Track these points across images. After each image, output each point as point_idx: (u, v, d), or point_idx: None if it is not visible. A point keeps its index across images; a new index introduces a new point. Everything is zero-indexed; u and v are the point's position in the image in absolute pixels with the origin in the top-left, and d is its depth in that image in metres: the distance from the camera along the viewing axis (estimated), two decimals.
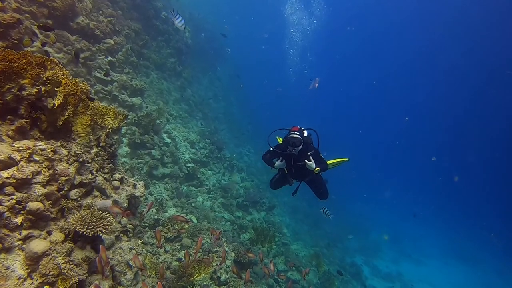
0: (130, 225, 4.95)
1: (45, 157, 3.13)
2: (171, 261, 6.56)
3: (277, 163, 4.56)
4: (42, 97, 3.21)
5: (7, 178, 2.77)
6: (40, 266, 2.82)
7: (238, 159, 15.50)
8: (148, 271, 5.49)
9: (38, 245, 2.85)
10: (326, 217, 6.70)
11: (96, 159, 4.05)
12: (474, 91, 42.25)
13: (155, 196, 8.68)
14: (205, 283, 6.04)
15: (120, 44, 10.44)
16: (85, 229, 3.20)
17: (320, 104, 53.38)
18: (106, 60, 9.52)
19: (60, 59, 7.57)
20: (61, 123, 3.39)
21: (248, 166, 15.90)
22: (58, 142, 3.42)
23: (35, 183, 3.00)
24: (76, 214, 3.31)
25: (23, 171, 2.89)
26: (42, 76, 3.18)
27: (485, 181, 42.48)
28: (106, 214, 3.46)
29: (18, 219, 2.82)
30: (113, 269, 3.99)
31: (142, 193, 4.94)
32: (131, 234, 4.88)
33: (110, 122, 4.22)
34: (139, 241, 5.81)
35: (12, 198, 2.79)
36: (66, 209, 3.35)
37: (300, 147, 4.29)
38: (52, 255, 2.95)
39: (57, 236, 3.10)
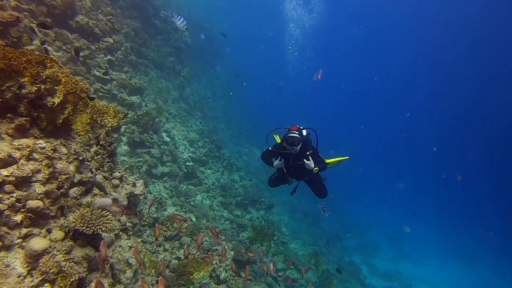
0: (130, 224, 4.96)
1: (45, 155, 3.14)
2: (170, 259, 6.58)
3: (276, 162, 4.56)
4: (42, 96, 3.21)
5: (7, 176, 2.78)
6: (40, 264, 2.83)
7: (237, 158, 15.52)
8: (147, 270, 5.51)
9: (38, 243, 2.86)
10: (323, 214, 6.77)
11: (95, 157, 4.06)
12: (474, 90, 42.28)
13: (154, 195, 8.69)
14: (204, 282, 6.06)
15: (119, 42, 10.42)
16: (85, 227, 3.21)
17: (321, 100, 53.43)
18: (105, 58, 9.51)
19: (59, 58, 7.56)
20: (60, 121, 3.39)
21: (247, 165, 15.92)
22: (58, 141, 3.43)
23: (35, 181, 3.01)
24: (76, 212, 3.32)
25: (23, 169, 2.90)
26: (42, 74, 3.18)
27: (484, 180, 42.60)
28: (106, 212, 3.48)
29: (18, 217, 2.83)
30: (113, 267, 4.00)
31: (141, 191, 4.95)
32: (131, 233, 4.89)
33: (110, 120, 4.23)
34: (139, 240, 5.82)
35: (12, 196, 2.79)
36: (66, 207, 3.36)
37: (299, 147, 4.28)
38: (52, 253, 2.96)
39: (57, 234, 3.11)
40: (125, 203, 4.57)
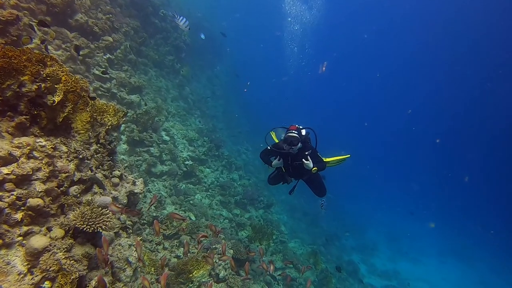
0: (130, 222, 4.97)
1: (45, 154, 3.15)
2: (169, 258, 6.60)
3: (275, 161, 4.57)
4: (42, 94, 3.22)
5: (7, 174, 2.79)
6: (41, 262, 2.84)
7: (236, 157, 15.53)
8: (147, 268, 5.52)
9: (38, 241, 2.87)
10: (321, 209, 6.86)
11: (95, 156, 4.07)
12: (474, 90, 42.28)
13: (153, 194, 8.70)
14: (203, 280, 6.08)
15: (118, 41, 10.42)
16: (85, 225, 3.22)
17: (322, 99, 53.38)
18: (104, 57, 9.51)
19: (58, 56, 7.56)
20: (60, 120, 3.40)
21: (246, 164, 15.94)
22: (58, 139, 3.44)
23: (35, 180, 3.02)
24: (76, 211, 3.34)
25: (23, 168, 2.91)
26: (42, 73, 3.19)
27: (484, 179, 42.64)
28: (106, 211, 3.49)
29: (18, 215, 2.84)
30: (113, 265, 4.01)
31: (141, 190, 4.97)
32: (130, 231, 4.91)
33: (110, 119, 4.24)
34: (138, 238, 5.83)
35: (12, 194, 2.80)
36: (66, 205, 3.37)
37: (298, 146, 4.29)
38: (52, 251, 2.97)
39: (57, 232, 3.13)
40: (125, 201, 4.58)
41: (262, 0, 43.59)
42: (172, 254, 6.76)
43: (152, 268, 5.63)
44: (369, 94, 54.50)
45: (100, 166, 4.24)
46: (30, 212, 2.93)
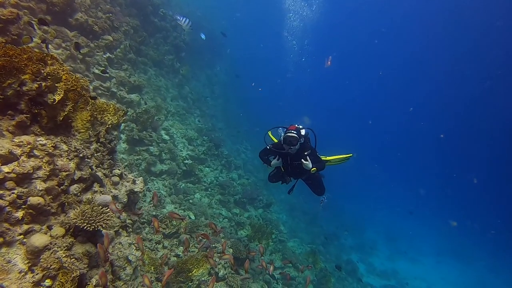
0: (130, 221, 4.99)
1: (46, 152, 3.16)
2: (169, 256, 6.61)
3: (274, 161, 4.58)
4: (42, 93, 3.23)
5: (8, 172, 2.80)
6: (41, 260, 2.86)
7: (235, 156, 15.55)
8: (146, 267, 5.54)
9: (39, 239, 2.88)
10: (320, 205, 6.93)
11: (95, 154, 4.08)
12: (474, 90, 42.24)
13: (153, 191, 8.70)
14: (203, 279, 6.09)
15: (118, 40, 10.41)
16: (85, 224, 3.23)
17: (322, 98, 53.33)
18: (104, 56, 9.51)
19: (58, 55, 7.56)
20: (61, 118, 3.41)
21: (245, 163, 15.96)
22: (58, 138, 3.44)
23: (36, 178, 3.03)
24: (77, 209, 3.35)
25: (23, 166, 2.92)
26: (42, 71, 3.20)
27: (483, 178, 42.68)
28: (106, 209, 3.50)
29: (19, 214, 2.85)
30: (113, 264, 4.03)
31: (141, 188, 4.98)
32: (130, 230, 4.92)
33: (110, 118, 4.25)
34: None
35: (13, 193, 2.81)
36: (66, 204, 3.38)
37: (297, 146, 4.30)
38: (53, 249, 2.98)
39: (58, 230, 3.14)
40: (125, 200, 4.60)
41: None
42: (171, 253, 6.78)
43: (152, 267, 5.64)
44: (371, 92, 54.40)
45: (100, 165, 4.25)
46: (30, 211, 2.94)
